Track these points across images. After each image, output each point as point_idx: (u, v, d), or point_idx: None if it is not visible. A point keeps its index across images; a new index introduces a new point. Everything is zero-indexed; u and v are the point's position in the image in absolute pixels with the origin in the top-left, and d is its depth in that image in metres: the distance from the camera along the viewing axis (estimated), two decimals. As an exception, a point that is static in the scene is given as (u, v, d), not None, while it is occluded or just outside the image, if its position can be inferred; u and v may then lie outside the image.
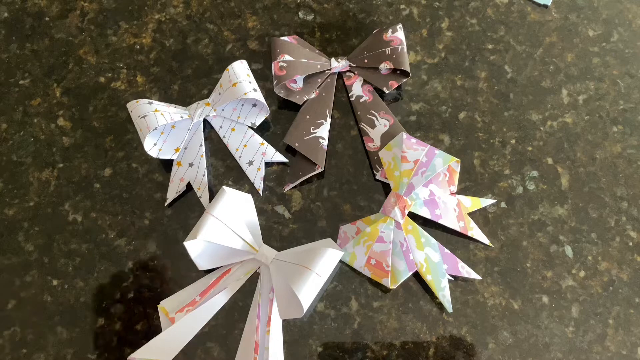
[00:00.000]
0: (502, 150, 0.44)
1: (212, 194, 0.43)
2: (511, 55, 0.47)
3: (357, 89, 0.46)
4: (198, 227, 0.38)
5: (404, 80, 0.45)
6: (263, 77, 0.47)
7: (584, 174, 0.44)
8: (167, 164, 0.45)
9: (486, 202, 0.43)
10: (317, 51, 0.47)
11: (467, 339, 0.40)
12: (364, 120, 0.45)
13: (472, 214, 0.42)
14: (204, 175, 0.43)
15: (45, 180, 0.45)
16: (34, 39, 0.50)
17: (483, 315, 0.40)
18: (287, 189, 0.44)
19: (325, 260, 0.38)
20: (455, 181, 0.42)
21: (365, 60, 0.45)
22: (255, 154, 0.44)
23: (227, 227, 0.38)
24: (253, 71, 0.47)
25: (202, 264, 0.39)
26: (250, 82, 0.43)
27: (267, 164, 0.44)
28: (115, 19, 0.50)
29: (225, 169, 0.44)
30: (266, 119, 0.45)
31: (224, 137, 0.45)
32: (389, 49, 0.44)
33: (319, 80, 0.46)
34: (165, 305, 0.40)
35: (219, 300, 0.40)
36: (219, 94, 0.43)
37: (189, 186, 0.43)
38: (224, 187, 0.40)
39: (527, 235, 0.42)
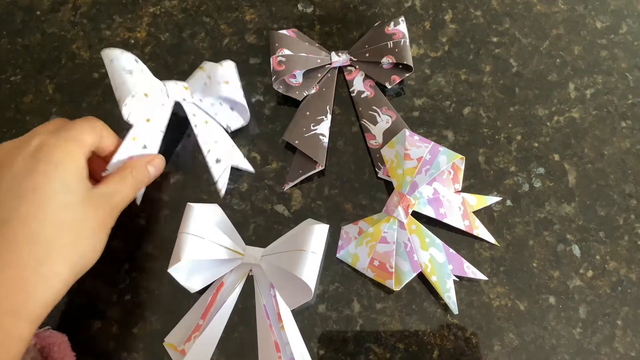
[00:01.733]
0: (508, 147, 0.43)
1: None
2: (517, 49, 0.46)
3: (359, 84, 0.45)
4: (178, 250, 0.37)
5: (407, 74, 0.44)
6: (261, 72, 0.46)
7: (591, 170, 0.42)
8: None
9: (491, 200, 0.41)
10: (316, 45, 0.46)
11: (472, 341, 0.39)
12: (365, 117, 0.44)
13: (477, 213, 0.41)
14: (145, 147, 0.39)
15: (38, 180, 0.43)
16: (25, 34, 0.48)
17: (488, 317, 0.39)
18: (286, 187, 0.42)
19: (315, 237, 0.37)
20: (460, 179, 0.41)
21: (367, 54, 0.44)
22: (225, 154, 0.41)
23: (206, 240, 0.37)
24: (251, 66, 0.46)
25: (193, 287, 0.38)
26: (238, 87, 0.41)
27: (232, 168, 0.43)
28: (108, 12, 0.49)
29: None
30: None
31: (195, 126, 0.41)
32: (391, 42, 0.43)
33: (319, 75, 0.45)
34: (171, 340, 0.39)
35: (222, 315, 0.39)
36: (205, 84, 0.40)
37: None
38: (188, 203, 0.39)
39: (533, 234, 0.41)
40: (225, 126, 0.42)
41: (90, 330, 0.40)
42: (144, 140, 0.39)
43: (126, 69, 0.37)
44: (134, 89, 0.37)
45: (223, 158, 0.41)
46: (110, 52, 0.38)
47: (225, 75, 0.40)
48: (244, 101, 0.40)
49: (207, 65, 0.40)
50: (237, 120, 0.43)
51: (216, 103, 0.42)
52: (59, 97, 0.46)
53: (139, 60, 0.39)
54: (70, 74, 0.47)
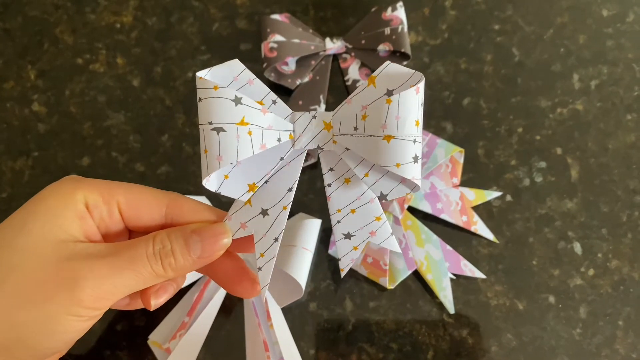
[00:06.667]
0: (509, 140, 0.42)
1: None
2: (519, 37, 0.44)
3: (354, 72, 0.43)
4: None
5: (404, 63, 0.42)
6: (252, 58, 0.44)
7: (595, 165, 0.41)
8: (148, 154, 0.42)
9: (491, 194, 0.40)
10: (310, 31, 0.44)
11: (469, 342, 0.37)
12: (360, 107, 0.42)
13: (475, 208, 0.40)
14: (276, 240, 0.25)
15: (19, 170, 0.42)
16: (6, 17, 0.46)
17: (486, 316, 0.38)
18: (278, 180, 0.41)
19: (306, 233, 0.36)
20: (459, 173, 0.39)
21: (363, 41, 0.42)
22: (362, 229, 0.27)
23: None
24: (241, 52, 0.44)
25: None
26: (416, 140, 0.23)
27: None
28: (93, -5, 0.47)
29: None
30: None
31: (328, 185, 0.26)
32: (388, 29, 0.41)
33: (313, 62, 0.43)
34: (155, 338, 0.37)
35: (209, 313, 0.37)
36: (355, 128, 0.24)
37: None
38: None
39: (533, 231, 0.39)
40: (379, 194, 0.26)
41: (71, 327, 0.38)
42: (260, 204, 0.26)
43: (215, 125, 0.23)
44: (229, 160, 0.23)
45: (357, 234, 0.27)
46: (202, 85, 0.23)
47: (392, 117, 0.23)
48: (417, 177, 0.24)
49: (381, 79, 0.24)
50: (401, 189, 0.25)
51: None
52: (41, 83, 0.44)
53: (243, 95, 0.23)
54: (52, 60, 0.45)
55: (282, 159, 0.25)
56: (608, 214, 0.40)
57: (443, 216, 0.38)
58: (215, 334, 0.38)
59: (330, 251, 0.39)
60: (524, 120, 0.42)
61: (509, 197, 0.40)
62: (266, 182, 0.26)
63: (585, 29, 0.44)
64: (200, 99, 0.23)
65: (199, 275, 0.37)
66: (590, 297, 0.38)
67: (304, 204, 0.40)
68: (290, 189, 0.26)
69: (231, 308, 0.38)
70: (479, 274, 0.38)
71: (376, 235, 0.27)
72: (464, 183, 0.40)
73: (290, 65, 0.43)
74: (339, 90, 0.43)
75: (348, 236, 0.27)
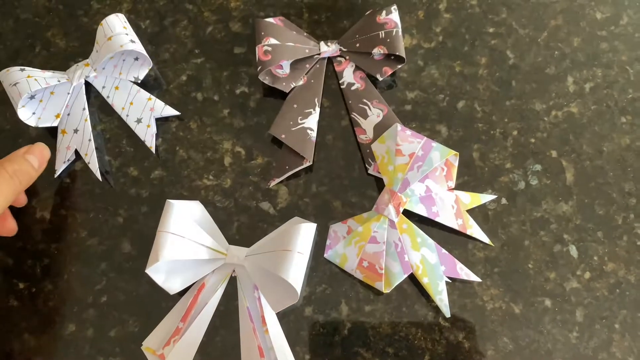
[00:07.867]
0: (504, 143, 0.41)
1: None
2: (514, 40, 0.44)
3: (349, 75, 0.43)
4: (156, 249, 0.35)
5: (399, 66, 0.42)
6: (246, 62, 0.44)
7: (590, 168, 0.41)
8: (141, 158, 0.41)
9: (486, 198, 0.40)
10: (305, 34, 0.44)
11: (465, 345, 0.37)
12: (355, 110, 0.42)
13: (471, 211, 0.40)
14: (90, 140, 0.40)
15: (10, 175, 0.41)
16: (-3, 20, 0.46)
17: (482, 320, 0.38)
18: (272, 184, 0.41)
19: (301, 237, 0.35)
20: (454, 176, 0.39)
21: (357, 45, 0.42)
22: (143, 111, 0.42)
23: (187, 239, 0.35)
24: (235, 55, 0.44)
25: (172, 288, 0.36)
26: (127, 34, 0.41)
27: (158, 120, 0.42)
28: (86, -2, 0.46)
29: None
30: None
31: (108, 97, 0.42)
32: (382, 32, 0.41)
33: (307, 65, 0.43)
34: (149, 344, 0.37)
35: (204, 318, 0.37)
36: (97, 51, 0.41)
37: (78, 154, 0.42)
38: (169, 200, 0.37)
39: (529, 234, 0.39)
40: (134, 79, 0.42)
41: (64, 334, 0.38)
42: (71, 127, 0.41)
43: (12, 83, 0.39)
44: (24, 94, 0.38)
45: (143, 116, 0.41)
46: (1, 76, 0.40)
47: (108, 31, 0.40)
48: (134, 46, 0.40)
49: (97, 31, 0.41)
50: (143, 68, 0.42)
51: (118, 62, 0.43)
52: (33, 87, 0.43)
53: (27, 68, 0.40)
54: (45, 63, 0.44)
55: (68, 94, 0.41)
56: (603, 217, 0.40)
57: (438, 219, 0.38)
58: (210, 340, 0.37)
59: (325, 255, 0.39)
60: (518, 123, 0.42)
61: (504, 200, 0.40)
62: (68, 114, 0.42)
63: (579, 32, 0.44)
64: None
65: (193, 280, 0.37)
66: (587, 300, 0.38)
67: (299, 208, 0.40)
68: (84, 109, 0.41)
69: (226, 314, 0.38)
70: (474, 278, 0.38)
71: (155, 110, 0.42)
72: (459, 186, 0.40)
73: (284, 68, 0.42)
74: (333, 94, 0.43)
75: (138, 121, 0.41)
